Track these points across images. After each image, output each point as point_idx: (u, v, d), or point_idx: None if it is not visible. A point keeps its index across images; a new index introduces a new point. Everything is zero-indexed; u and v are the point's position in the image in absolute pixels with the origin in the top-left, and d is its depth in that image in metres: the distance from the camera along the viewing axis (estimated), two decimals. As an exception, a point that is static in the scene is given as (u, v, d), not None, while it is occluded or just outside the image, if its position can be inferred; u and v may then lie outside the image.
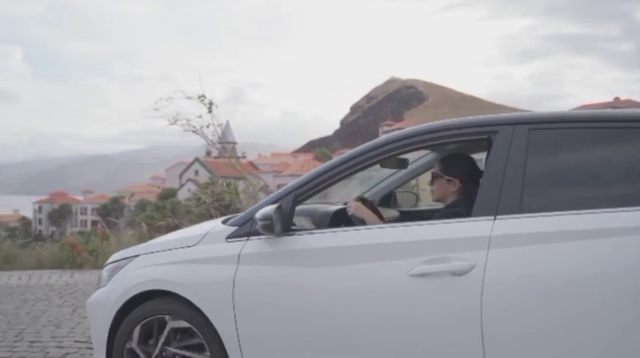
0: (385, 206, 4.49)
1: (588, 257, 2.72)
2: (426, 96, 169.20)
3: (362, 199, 3.83)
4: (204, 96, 8.21)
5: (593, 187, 2.99)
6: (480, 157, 3.64)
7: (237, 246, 3.28)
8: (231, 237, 3.33)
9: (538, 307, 2.73)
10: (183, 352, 3.40)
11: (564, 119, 3.07)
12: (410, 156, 4.24)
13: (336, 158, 3.38)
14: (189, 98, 8.15)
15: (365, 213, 3.62)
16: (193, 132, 8.30)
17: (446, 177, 3.54)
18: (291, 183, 3.36)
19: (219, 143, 9.30)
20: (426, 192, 4.32)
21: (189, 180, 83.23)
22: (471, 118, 3.20)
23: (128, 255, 3.70)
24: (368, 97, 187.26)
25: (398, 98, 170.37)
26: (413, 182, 6.54)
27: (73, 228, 78.41)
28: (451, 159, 3.66)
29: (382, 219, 3.76)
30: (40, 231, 75.38)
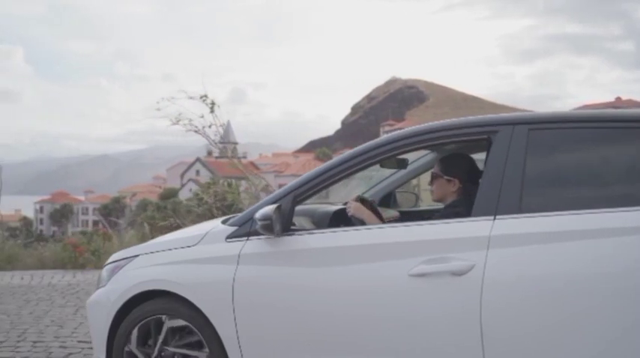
0: (385, 206, 4.48)
1: (588, 257, 2.72)
2: (427, 96, 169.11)
3: (362, 199, 3.82)
4: (206, 96, 8.24)
5: (592, 187, 2.98)
6: (479, 157, 3.64)
7: (237, 246, 3.28)
8: (230, 237, 3.33)
9: (538, 307, 2.73)
10: (182, 350, 3.39)
11: (564, 119, 3.07)
12: (410, 156, 4.24)
13: (335, 158, 3.38)
14: (191, 98, 8.17)
15: (365, 213, 3.62)
16: (195, 132, 8.33)
17: (445, 177, 3.54)
18: (290, 183, 3.36)
19: (221, 143, 9.32)
20: (427, 192, 4.32)
21: (190, 180, 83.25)
22: (470, 118, 3.20)
23: (128, 255, 3.70)
24: (369, 97, 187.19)
25: (399, 98, 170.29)
26: (414, 182, 6.54)
27: (75, 228, 78.45)
28: (451, 159, 3.66)
29: (382, 220, 3.76)
30: (41, 231, 75.39)
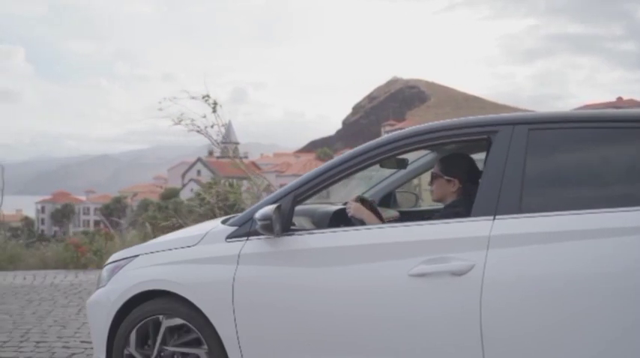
0: (385, 206, 4.48)
1: (588, 257, 2.71)
2: (429, 96, 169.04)
3: (362, 199, 3.82)
4: (208, 96, 8.26)
5: (592, 187, 2.98)
6: (479, 157, 3.64)
7: (237, 246, 3.28)
8: (230, 237, 3.33)
9: (537, 307, 2.73)
10: (181, 349, 3.40)
11: (564, 119, 3.07)
12: (410, 156, 4.23)
13: (335, 158, 3.38)
14: (193, 98, 8.19)
15: (364, 214, 3.62)
16: (198, 132, 8.35)
17: (445, 177, 3.54)
18: (290, 183, 3.36)
19: (223, 143, 9.34)
20: (428, 192, 4.33)
21: (191, 180, 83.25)
22: (470, 118, 3.20)
23: (128, 255, 3.70)
24: (370, 97, 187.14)
25: (400, 98, 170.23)
26: (415, 182, 6.55)
27: (76, 228, 78.48)
28: (451, 159, 3.66)
29: (382, 220, 3.76)
30: (42, 231, 75.41)
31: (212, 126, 8.36)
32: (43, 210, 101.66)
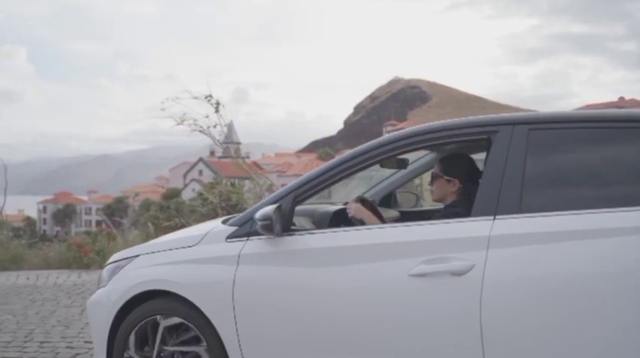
0: (385, 206, 4.48)
1: (588, 257, 2.72)
2: (430, 96, 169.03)
3: (362, 200, 3.83)
4: (211, 96, 8.27)
5: (592, 187, 2.98)
6: (479, 157, 3.64)
7: (237, 246, 3.28)
8: (231, 237, 3.33)
9: (537, 307, 2.73)
10: (181, 348, 3.40)
11: (564, 119, 3.07)
12: (410, 157, 4.24)
13: (336, 158, 3.38)
14: (196, 98, 8.20)
15: (365, 214, 3.62)
16: (201, 132, 8.36)
17: (445, 178, 3.54)
18: (290, 183, 3.36)
19: (225, 143, 9.35)
20: (429, 192, 4.34)
21: (193, 180, 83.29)
22: (470, 118, 3.20)
23: (129, 255, 3.71)
24: (372, 97, 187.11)
25: (402, 98, 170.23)
26: (417, 181, 6.56)
27: (78, 228, 78.53)
28: (451, 160, 3.66)
29: (382, 220, 3.76)
30: (44, 231, 75.50)
31: (215, 126, 8.38)
32: (44, 210, 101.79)
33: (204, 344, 3.33)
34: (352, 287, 3.03)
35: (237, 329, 3.22)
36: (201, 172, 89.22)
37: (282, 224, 3.16)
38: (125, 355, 3.48)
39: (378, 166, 3.69)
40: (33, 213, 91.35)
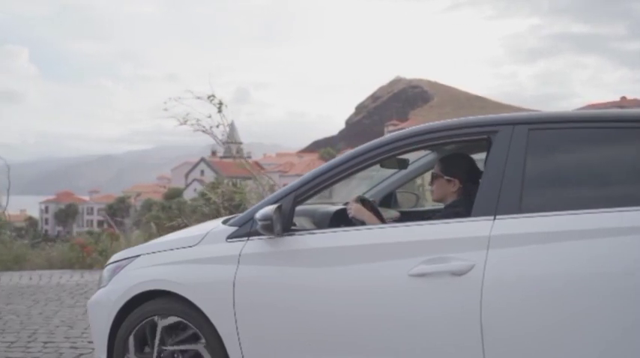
0: (386, 206, 4.48)
1: (587, 257, 2.71)
2: (432, 96, 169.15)
3: (362, 200, 3.82)
4: (213, 96, 8.27)
5: (592, 187, 2.97)
6: (479, 157, 3.64)
7: (238, 246, 3.28)
8: (231, 237, 3.33)
9: (537, 307, 2.73)
10: (180, 347, 3.40)
11: (564, 119, 3.07)
12: (410, 157, 4.23)
13: (336, 158, 3.38)
14: (198, 98, 8.20)
15: (365, 215, 3.62)
16: (203, 132, 8.36)
17: (446, 178, 3.54)
18: (291, 183, 3.36)
19: (227, 143, 9.34)
20: (429, 192, 4.32)
21: (194, 180, 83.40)
22: (470, 118, 3.20)
23: (129, 255, 3.71)
24: (373, 97, 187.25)
25: (403, 98, 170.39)
26: (418, 181, 6.54)
27: (80, 228, 78.68)
28: (451, 160, 3.66)
29: (382, 221, 3.76)
30: (46, 231, 75.64)
31: (217, 126, 8.37)
32: (46, 210, 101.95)
33: (203, 340, 3.33)
34: (352, 287, 3.03)
35: (237, 329, 3.22)
36: (202, 172, 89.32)
37: (283, 224, 3.16)
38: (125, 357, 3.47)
39: (378, 166, 3.68)
40: (35, 213, 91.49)
